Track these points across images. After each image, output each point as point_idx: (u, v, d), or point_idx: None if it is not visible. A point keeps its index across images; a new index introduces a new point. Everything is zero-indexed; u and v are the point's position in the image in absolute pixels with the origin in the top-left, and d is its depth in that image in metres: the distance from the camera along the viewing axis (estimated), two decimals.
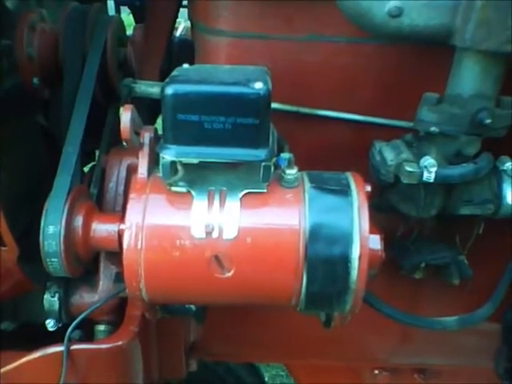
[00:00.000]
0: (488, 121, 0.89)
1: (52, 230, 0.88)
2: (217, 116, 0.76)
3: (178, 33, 1.52)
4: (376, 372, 1.51)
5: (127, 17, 1.67)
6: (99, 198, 1.06)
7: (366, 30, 0.88)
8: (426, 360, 1.47)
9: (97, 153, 1.20)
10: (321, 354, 1.50)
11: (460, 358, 1.44)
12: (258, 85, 0.75)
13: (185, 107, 0.76)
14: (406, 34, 0.86)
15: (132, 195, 0.83)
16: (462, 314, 1.08)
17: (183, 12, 1.35)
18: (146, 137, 0.87)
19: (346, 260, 0.79)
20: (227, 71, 0.84)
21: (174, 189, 0.82)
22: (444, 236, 1.13)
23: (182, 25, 1.57)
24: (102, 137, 1.16)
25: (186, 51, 1.34)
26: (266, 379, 2.14)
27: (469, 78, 0.89)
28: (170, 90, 0.76)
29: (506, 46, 0.81)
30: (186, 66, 0.87)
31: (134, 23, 1.58)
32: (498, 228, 1.06)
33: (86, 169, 1.17)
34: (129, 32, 1.34)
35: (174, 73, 0.81)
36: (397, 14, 0.83)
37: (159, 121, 1.23)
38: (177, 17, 1.33)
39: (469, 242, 1.11)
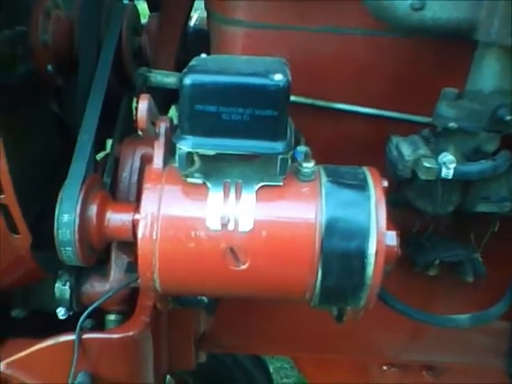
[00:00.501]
0: (508, 117, 0.88)
1: (67, 219, 0.88)
2: (235, 107, 0.76)
3: (192, 23, 1.51)
4: (384, 368, 1.50)
5: (142, 6, 1.66)
6: (112, 187, 1.05)
7: (388, 22, 0.87)
8: (435, 357, 1.47)
9: (109, 142, 1.19)
10: (329, 347, 1.50)
11: (470, 356, 1.44)
12: (278, 76, 0.75)
13: (203, 98, 0.76)
14: (428, 27, 0.85)
15: (147, 185, 0.82)
16: (476, 311, 1.08)
17: (198, 2, 1.34)
18: (162, 127, 0.86)
19: (362, 255, 0.78)
20: (246, 62, 0.84)
21: (189, 180, 0.82)
22: (459, 233, 1.12)
23: (196, 15, 1.56)
24: (115, 126, 1.16)
25: (200, 41, 1.33)
26: (271, 372, 2.14)
27: (490, 74, 0.88)
28: (188, 80, 0.75)
29: None
30: (203, 55, 0.86)
31: (148, 12, 1.58)
32: None
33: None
34: (144, 21, 1.34)
35: (192, 62, 0.81)
36: (419, 6, 0.82)
37: (172, 111, 1.23)
38: (192, 6, 1.32)
39: (484, 240, 1.10)
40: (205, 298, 1.00)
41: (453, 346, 1.40)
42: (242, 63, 0.82)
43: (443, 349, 1.42)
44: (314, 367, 1.59)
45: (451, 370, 1.50)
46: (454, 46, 0.93)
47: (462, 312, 1.11)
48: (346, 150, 1.07)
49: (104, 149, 1.29)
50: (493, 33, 0.81)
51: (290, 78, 0.76)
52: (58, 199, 0.90)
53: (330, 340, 1.44)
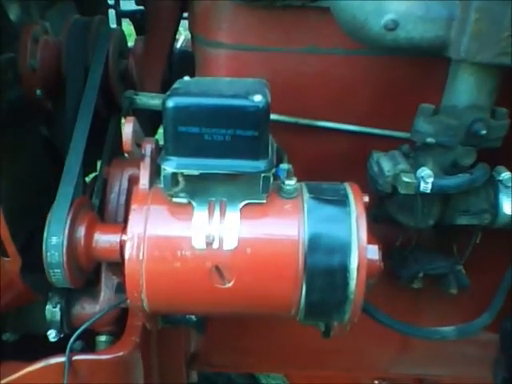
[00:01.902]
0: (483, 132, 0.90)
1: (55, 241, 0.89)
2: (217, 128, 0.77)
3: (178, 44, 1.53)
4: (376, 382, 1.50)
5: (128, 27, 1.68)
6: (101, 208, 1.07)
7: (363, 42, 0.90)
8: (425, 370, 1.47)
9: (98, 163, 1.21)
10: (321, 364, 1.50)
11: (459, 368, 1.44)
12: (258, 97, 0.76)
13: (186, 119, 0.77)
14: (402, 46, 0.87)
15: (134, 206, 0.84)
16: (462, 323, 1.09)
17: (184, 23, 1.36)
18: (148, 148, 0.88)
19: (344, 270, 0.80)
20: (227, 84, 0.86)
21: (175, 200, 0.83)
22: (442, 245, 1.14)
23: (183, 36, 1.59)
24: (103, 147, 1.18)
25: (186, 62, 1.36)
26: None
27: (464, 90, 0.90)
28: (171, 103, 0.77)
29: (500, 58, 0.83)
30: (186, 78, 0.88)
31: (134, 33, 1.60)
32: (495, 237, 1.07)
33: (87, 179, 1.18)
34: (130, 41, 1.36)
35: (175, 85, 0.83)
36: (393, 27, 0.84)
37: (161, 131, 1.24)
38: (177, 29, 1.35)
39: (466, 252, 1.12)
40: (193, 317, 1.00)
41: (442, 359, 1.40)
42: (223, 85, 0.84)
43: (433, 361, 1.42)
44: (307, 383, 1.59)
45: (441, 382, 1.50)
46: (431, 63, 0.95)
47: (448, 324, 1.12)
48: (329, 166, 1.09)
49: (95, 170, 1.30)
50: (462, 51, 0.84)
51: (270, 98, 0.78)
52: (47, 221, 0.91)
53: (322, 356, 1.45)
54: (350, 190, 0.86)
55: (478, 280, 1.13)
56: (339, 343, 1.04)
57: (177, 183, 0.82)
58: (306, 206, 0.83)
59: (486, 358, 1.28)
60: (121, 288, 1.02)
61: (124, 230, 0.90)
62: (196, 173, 0.80)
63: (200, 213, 0.82)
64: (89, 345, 1.05)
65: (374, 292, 0.88)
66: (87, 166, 1.10)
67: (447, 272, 1.11)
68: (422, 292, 1.17)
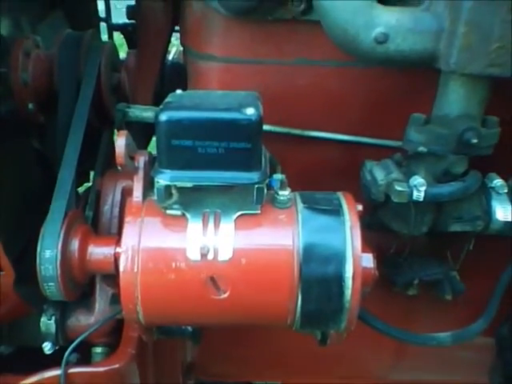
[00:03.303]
0: (474, 140, 0.91)
1: (49, 255, 0.89)
2: (210, 141, 0.78)
3: (170, 56, 1.54)
4: None
5: (119, 37, 1.69)
6: (94, 220, 1.06)
7: (354, 55, 0.90)
8: (422, 376, 1.48)
9: (91, 174, 1.21)
10: (318, 371, 1.50)
11: (456, 373, 1.45)
12: (250, 110, 0.77)
13: (178, 133, 0.78)
14: (392, 58, 0.88)
15: (127, 219, 0.84)
16: (458, 328, 1.09)
17: (176, 35, 1.37)
18: (141, 161, 0.88)
19: (339, 279, 0.80)
20: (219, 97, 0.86)
21: (168, 212, 0.83)
22: (436, 252, 1.14)
23: (175, 48, 1.60)
24: (96, 160, 1.18)
25: (178, 74, 1.36)
26: None
27: (455, 100, 0.91)
28: (163, 117, 0.77)
29: (490, 70, 0.84)
30: (179, 91, 0.89)
31: (125, 43, 1.60)
32: (488, 243, 1.07)
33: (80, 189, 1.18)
34: (122, 53, 1.36)
35: (168, 99, 0.83)
36: (383, 40, 0.85)
37: (154, 143, 1.24)
38: (169, 41, 1.36)
39: (460, 258, 1.13)
40: (189, 328, 1.00)
41: (439, 364, 1.41)
42: (215, 98, 0.85)
43: (429, 367, 1.43)
44: None
45: None
46: (421, 73, 0.96)
47: (444, 330, 1.13)
48: (321, 175, 1.10)
49: (88, 180, 1.31)
50: (452, 63, 0.85)
51: (262, 111, 0.79)
52: (40, 235, 0.91)
53: (319, 363, 1.45)
54: (343, 199, 0.87)
55: (473, 285, 1.14)
56: (336, 350, 1.04)
57: (170, 195, 0.82)
58: (300, 215, 0.83)
59: (481, 363, 1.29)
60: (115, 299, 1.02)
61: (118, 242, 0.90)
62: (190, 185, 0.80)
63: (194, 224, 0.82)
64: (84, 356, 1.05)
65: (369, 299, 0.88)
66: (80, 177, 1.10)
67: (442, 278, 1.12)
68: (417, 298, 1.17)
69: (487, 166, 1.02)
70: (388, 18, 0.86)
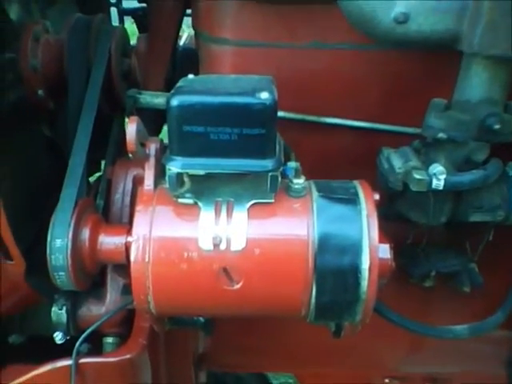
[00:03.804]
0: (497, 126, 0.88)
1: (59, 244, 0.88)
2: (223, 127, 0.76)
3: (181, 41, 1.52)
4: (386, 381, 1.50)
5: (131, 25, 1.68)
6: (105, 209, 1.06)
7: (372, 36, 0.88)
8: (436, 368, 1.46)
9: (102, 162, 1.20)
10: (330, 362, 1.49)
11: (471, 365, 1.43)
12: (264, 95, 0.75)
13: (190, 119, 0.76)
14: (412, 39, 0.85)
15: (139, 207, 0.82)
16: (474, 321, 1.07)
17: (187, 20, 1.35)
18: (152, 148, 0.87)
19: (355, 270, 0.78)
20: (232, 81, 0.84)
21: (180, 200, 0.82)
22: (454, 243, 1.12)
23: (186, 33, 1.58)
24: (107, 148, 1.16)
25: (190, 60, 1.34)
26: None
27: (477, 84, 0.88)
28: (175, 102, 0.75)
29: None
30: (191, 76, 0.87)
31: (137, 32, 1.59)
32: (508, 234, 1.05)
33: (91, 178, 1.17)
34: (133, 41, 1.35)
35: (179, 84, 0.81)
36: (403, 20, 0.83)
37: (165, 130, 1.23)
38: (181, 26, 1.33)
39: (479, 249, 1.10)
40: (201, 318, 0.99)
41: (454, 357, 1.39)
42: (228, 82, 0.83)
43: (444, 359, 1.41)
44: (317, 382, 1.58)
45: (453, 381, 1.49)
46: (441, 57, 0.94)
47: (461, 322, 1.11)
48: (337, 163, 1.08)
49: (99, 169, 1.29)
50: (475, 44, 0.82)
51: (277, 95, 0.77)
52: (50, 224, 0.90)
53: (332, 354, 1.44)
54: (360, 187, 0.84)
55: (491, 278, 1.11)
56: (349, 342, 1.02)
57: (182, 183, 0.81)
58: (315, 205, 0.81)
59: (498, 355, 1.27)
60: (127, 289, 1.01)
61: (129, 231, 0.89)
62: (202, 173, 0.79)
63: (206, 213, 0.80)
64: (95, 346, 1.04)
65: (385, 291, 0.86)
66: (91, 166, 1.09)
67: (460, 270, 1.10)
68: (433, 290, 1.15)
69: (508, 154, 0.99)
70: None
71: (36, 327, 1.20)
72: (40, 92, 1.16)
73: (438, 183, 0.90)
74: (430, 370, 1.48)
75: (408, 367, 1.47)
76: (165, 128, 1.28)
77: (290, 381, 2.52)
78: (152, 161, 0.86)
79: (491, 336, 1.23)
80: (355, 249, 0.78)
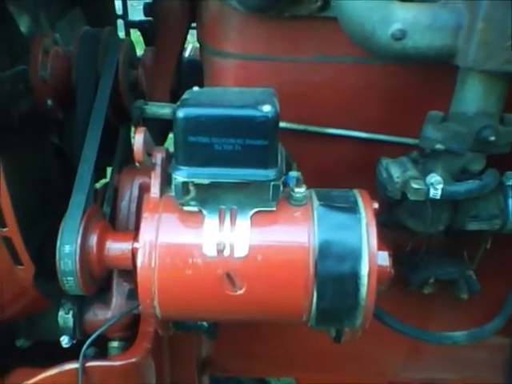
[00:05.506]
0: (492, 138, 0.90)
1: (68, 250, 0.90)
2: (227, 138, 0.79)
3: (187, 53, 1.55)
4: None
5: (135, 34, 1.70)
6: (112, 216, 1.08)
7: (372, 52, 0.90)
8: (436, 374, 1.47)
9: (109, 169, 1.22)
10: (331, 367, 1.50)
11: (470, 371, 1.44)
12: (267, 107, 0.77)
13: (196, 130, 0.79)
14: (410, 55, 0.88)
15: (145, 214, 0.85)
16: (473, 327, 1.09)
17: (192, 32, 1.38)
18: (158, 157, 0.89)
19: (355, 277, 0.80)
20: (236, 94, 0.87)
21: (185, 208, 0.84)
22: (452, 251, 1.14)
23: (191, 45, 1.60)
24: (114, 156, 1.19)
25: (195, 72, 1.37)
26: None
27: (473, 97, 0.90)
28: (181, 114, 0.78)
29: (508, 66, 0.83)
30: (196, 88, 0.89)
31: (143, 41, 1.61)
32: (506, 242, 1.06)
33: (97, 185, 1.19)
34: (139, 50, 1.37)
35: (185, 96, 0.84)
36: (400, 36, 0.85)
37: (170, 140, 1.26)
38: (186, 38, 1.36)
39: (477, 257, 1.12)
40: (205, 323, 1.01)
41: (453, 363, 1.40)
42: (232, 95, 0.85)
43: (443, 366, 1.42)
44: None
45: None
46: (439, 70, 0.96)
47: (459, 329, 1.12)
48: (337, 173, 1.10)
49: (105, 176, 1.32)
50: (470, 59, 0.84)
51: (279, 108, 0.79)
52: (60, 230, 0.92)
53: (332, 360, 1.45)
54: (359, 196, 0.87)
55: (489, 285, 1.13)
56: (349, 347, 1.04)
57: (187, 192, 0.83)
58: (315, 213, 0.84)
59: (496, 362, 1.28)
60: (132, 294, 1.03)
61: (136, 237, 0.91)
62: (206, 182, 0.81)
63: (211, 221, 0.83)
64: (101, 350, 1.06)
65: (384, 297, 0.88)
66: (97, 174, 1.11)
67: (458, 277, 1.11)
68: (432, 297, 1.17)
69: (505, 165, 1.01)
70: (405, 14, 0.86)
71: (43, 331, 1.22)
72: (49, 102, 1.18)
73: (436, 192, 0.92)
74: (429, 376, 1.49)
75: (407, 373, 1.47)
76: (170, 137, 1.32)
77: None
78: (158, 170, 0.89)
79: (490, 342, 1.24)
80: (355, 256, 0.80)
